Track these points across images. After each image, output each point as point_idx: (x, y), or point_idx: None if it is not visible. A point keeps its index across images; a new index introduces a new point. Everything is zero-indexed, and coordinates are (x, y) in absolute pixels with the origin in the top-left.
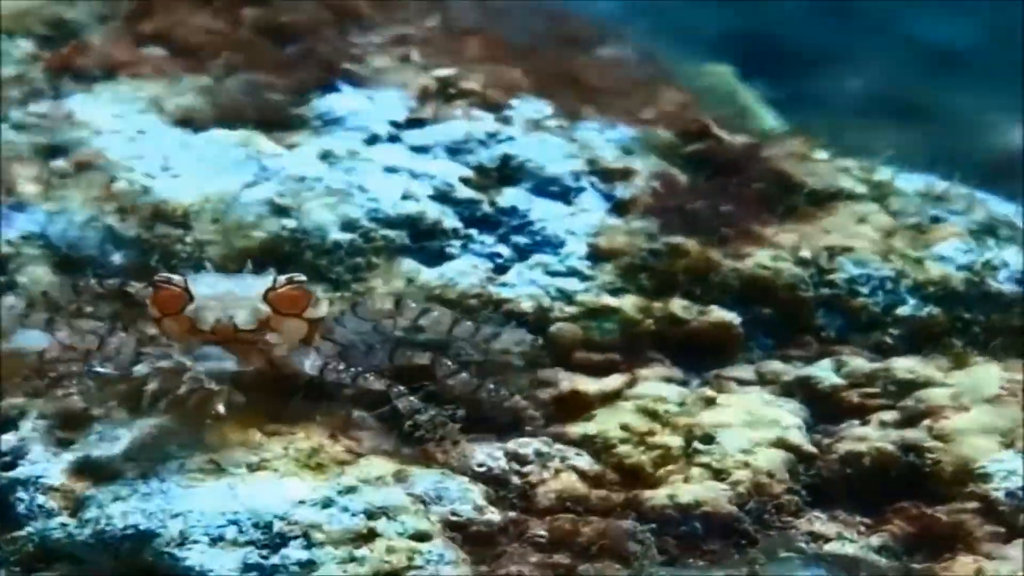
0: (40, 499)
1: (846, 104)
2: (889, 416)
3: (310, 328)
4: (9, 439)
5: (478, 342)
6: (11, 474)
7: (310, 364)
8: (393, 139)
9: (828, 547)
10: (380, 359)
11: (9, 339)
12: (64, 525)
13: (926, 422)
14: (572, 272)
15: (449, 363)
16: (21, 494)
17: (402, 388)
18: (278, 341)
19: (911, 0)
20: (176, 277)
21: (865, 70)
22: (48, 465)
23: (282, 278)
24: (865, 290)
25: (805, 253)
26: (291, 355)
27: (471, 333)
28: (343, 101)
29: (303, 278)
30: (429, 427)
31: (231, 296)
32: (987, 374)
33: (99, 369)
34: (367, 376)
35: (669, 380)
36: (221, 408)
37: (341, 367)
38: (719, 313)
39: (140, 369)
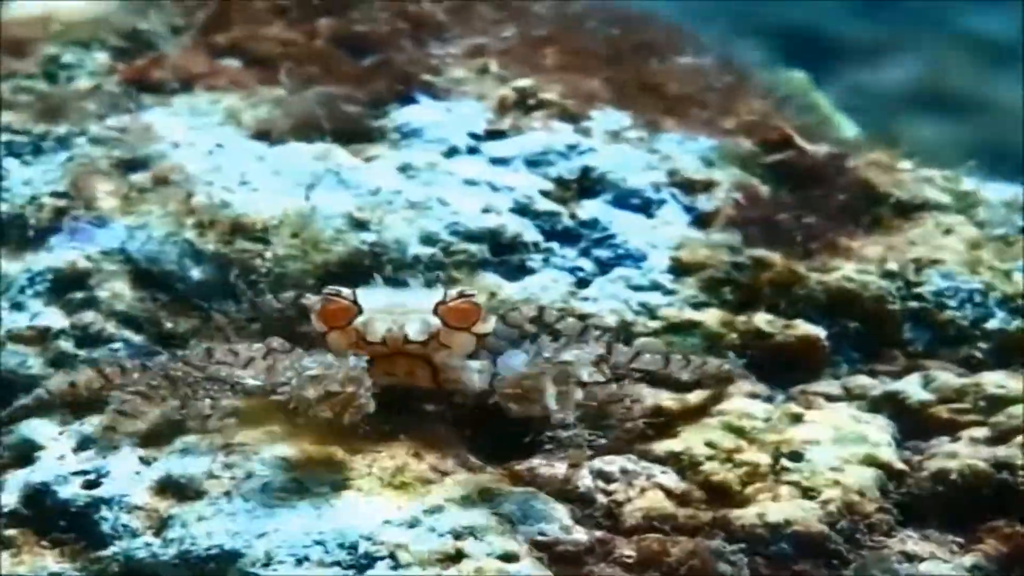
0: (124, 518)
1: (893, 98)
2: (980, 432)
3: (478, 343)
4: (91, 456)
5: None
6: (95, 492)
7: (480, 379)
8: (472, 151)
9: (921, 567)
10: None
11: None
12: (148, 544)
13: (1018, 439)
14: (654, 286)
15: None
16: (105, 513)
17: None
18: (450, 358)
19: None
20: (345, 290)
21: (912, 63)
22: (132, 483)
23: (453, 291)
24: (953, 303)
25: (891, 266)
26: (461, 370)
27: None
28: (421, 113)
29: (474, 292)
30: (566, 444)
31: (401, 308)
32: None
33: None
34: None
35: (754, 396)
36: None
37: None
38: (804, 327)
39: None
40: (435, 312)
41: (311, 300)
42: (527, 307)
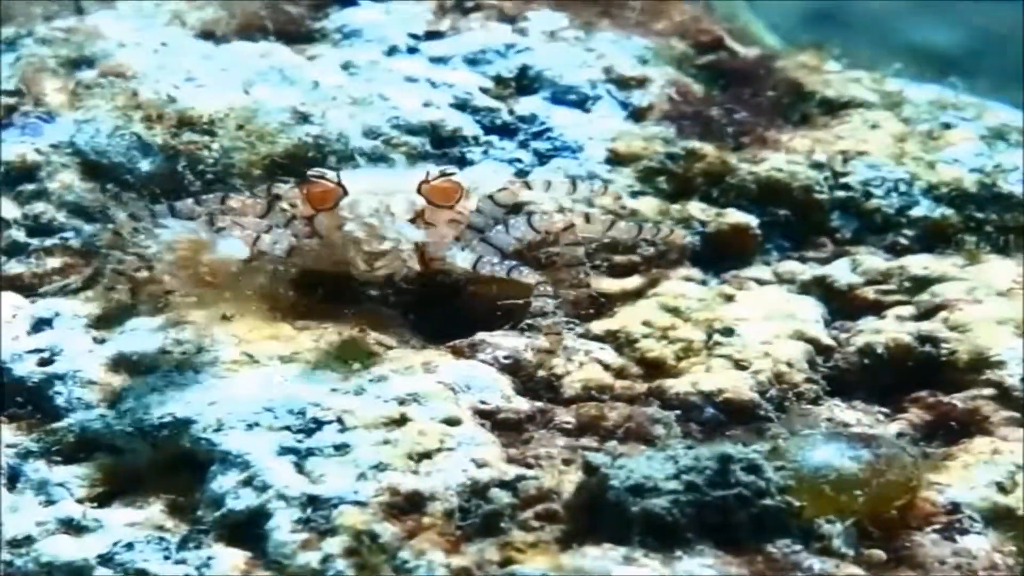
0: (78, 392)
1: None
2: (905, 311)
3: (461, 220)
4: (46, 335)
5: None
6: (49, 369)
7: (463, 258)
8: (412, 51)
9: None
10: (523, 231)
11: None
12: (103, 416)
13: (941, 314)
14: (591, 176)
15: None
16: (60, 388)
17: (548, 287)
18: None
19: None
20: (329, 173)
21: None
22: (85, 360)
23: (434, 170)
24: (879, 192)
25: (819, 157)
26: (447, 250)
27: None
28: (362, 15)
29: (455, 170)
30: (545, 328)
31: (386, 189)
32: (999, 269)
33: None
34: (521, 269)
35: (689, 280)
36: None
37: (495, 260)
38: (736, 215)
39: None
40: (418, 191)
41: (283, 188)
42: (514, 186)
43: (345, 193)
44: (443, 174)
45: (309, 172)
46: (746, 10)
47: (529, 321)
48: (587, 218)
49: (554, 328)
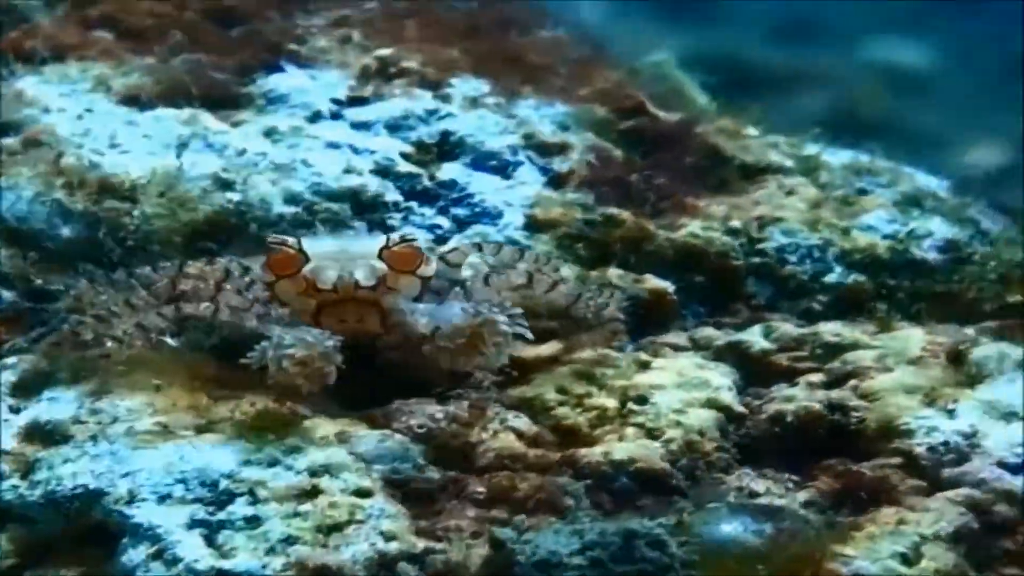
0: None
1: (808, 124)
2: (816, 378)
3: (422, 286)
4: None
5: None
6: None
7: (424, 324)
8: (335, 116)
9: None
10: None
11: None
12: (15, 487)
13: (852, 382)
14: (510, 242)
15: (546, 278)
16: None
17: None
18: (398, 302)
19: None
20: (290, 239)
21: (826, 91)
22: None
23: (395, 236)
24: (794, 258)
25: (735, 223)
26: (409, 314)
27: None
28: (287, 81)
29: (415, 236)
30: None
31: (346, 255)
32: (910, 337)
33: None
34: (495, 318)
35: (618, 349)
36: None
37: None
38: (654, 281)
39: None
40: (380, 257)
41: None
42: (464, 247)
43: (307, 259)
44: (403, 239)
45: (269, 239)
46: (676, 71)
47: (459, 391)
48: (530, 279)
49: (482, 402)
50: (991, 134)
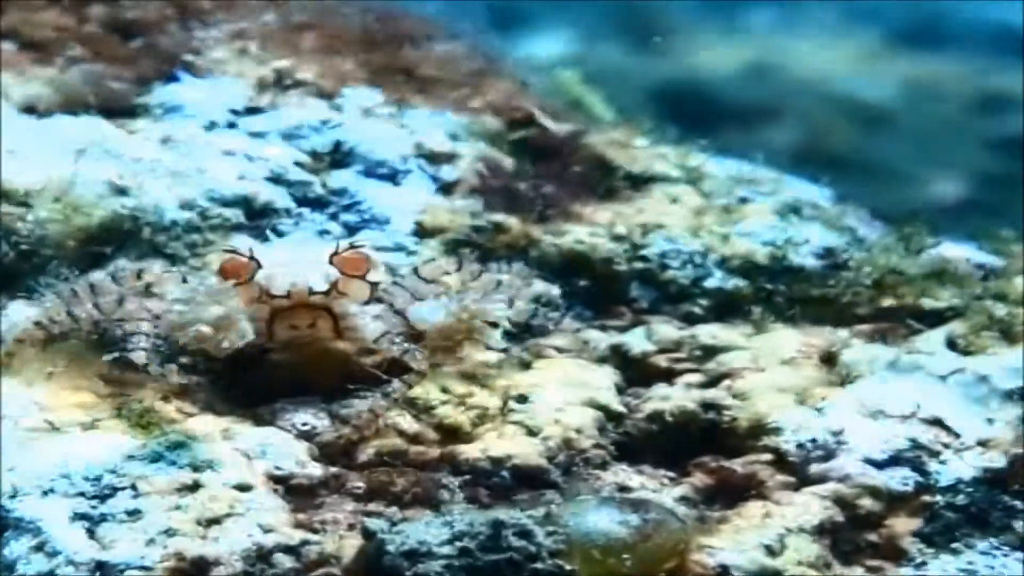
0: None
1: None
2: (694, 378)
3: (371, 291)
4: None
5: None
6: None
7: (372, 328)
8: (231, 126)
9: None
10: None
11: None
12: None
13: (726, 382)
14: (398, 247)
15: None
16: None
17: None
18: (349, 307)
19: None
20: (241, 247)
21: (792, 126)
22: None
23: (344, 243)
24: (675, 264)
25: (620, 230)
26: (360, 318)
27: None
28: (183, 91)
29: (364, 243)
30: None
31: (298, 261)
32: (785, 339)
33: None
34: (416, 354)
35: (489, 348)
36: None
37: (398, 339)
38: (539, 286)
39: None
40: (330, 263)
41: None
42: (444, 261)
43: (259, 266)
44: (352, 246)
45: (223, 248)
46: (579, 85)
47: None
48: (459, 265)
49: (374, 411)
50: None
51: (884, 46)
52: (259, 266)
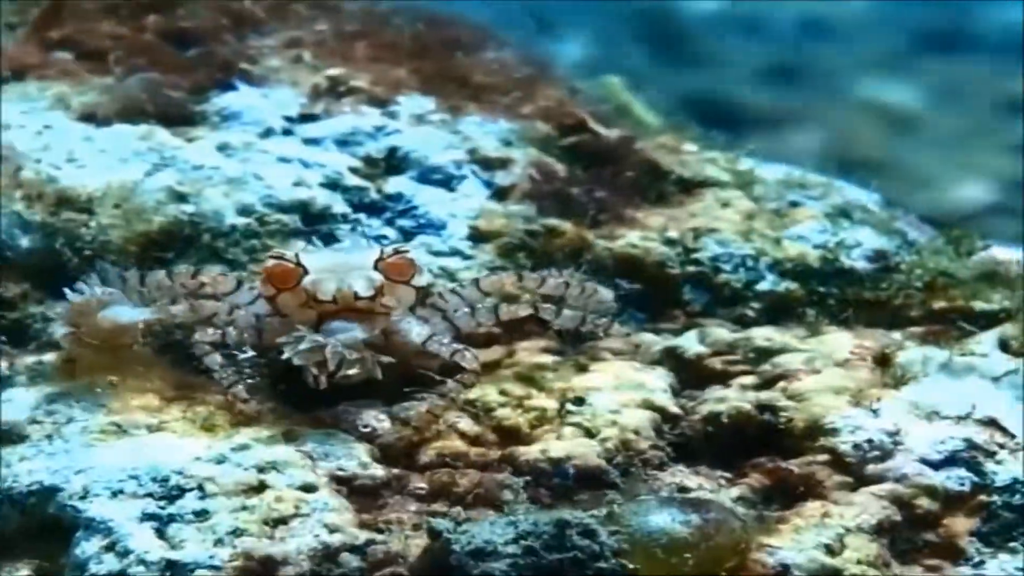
0: None
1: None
2: (748, 380)
3: (416, 296)
4: None
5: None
6: None
7: (417, 332)
8: (286, 133)
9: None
10: (486, 317)
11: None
12: None
13: (781, 384)
14: (454, 252)
15: (550, 305)
16: None
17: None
18: (395, 306)
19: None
20: (288, 253)
21: (817, 129)
22: None
23: (388, 248)
24: (728, 267)
25: (672, 234)
26: (402, 322)
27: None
28: (240, 99)
29: (408, 248)
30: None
31: (344, 267)
32: (838, 341)
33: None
34: (465, 353)
35: (546, 351)
36: (376, 372)
37: (446, 340)
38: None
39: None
40: (375, 268)
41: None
42: (506, 276)
43: (305, 272)
44: (397, 251)
45: (269, 254)
46: (625, 90)
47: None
48: (535, 309)
49: (434, 413)
50: (977, 172)
51: (910, 49)
52: (305, 272)
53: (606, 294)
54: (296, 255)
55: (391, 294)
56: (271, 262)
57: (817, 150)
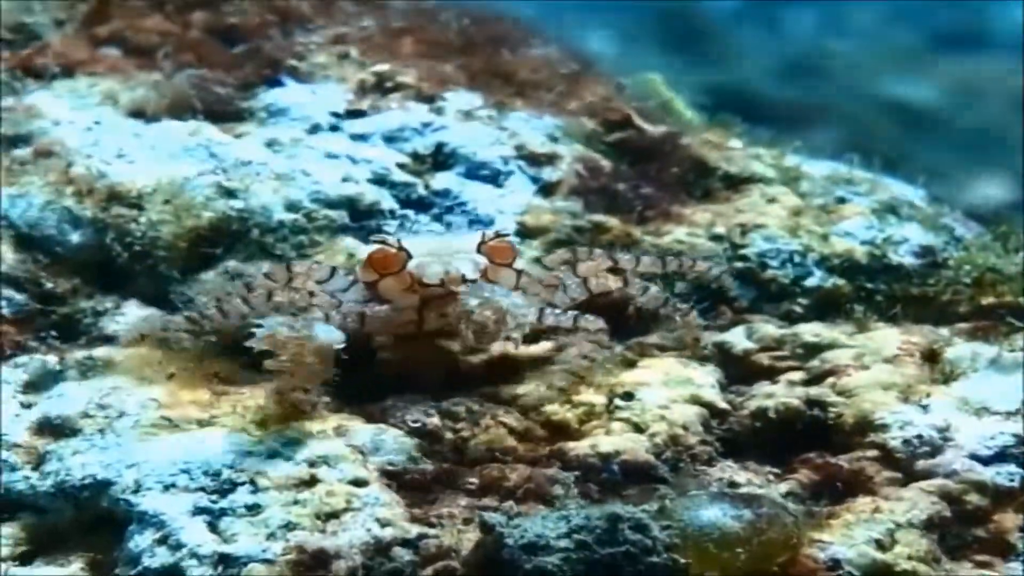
0: (4, 455)
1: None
2: (796, 376)
3: (518, 278)
4: None
5: None
6: None
7: (525, 310)
8: (334, 128)
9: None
10: (577, 292)
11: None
12: (27, 478)
13: (830, 380)
14: None
15: (638, 280)
16: None
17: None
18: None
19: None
20: (390, 238)
21: (837, 126)
22: (12, 425)
23: (489, 232)
24: (775, 263)
25: (719, 230)
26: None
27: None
28: (287, 95)
29: (509, 231)
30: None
31: (446, 251)
32: (887, 337)
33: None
34: (587, 316)
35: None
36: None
37: (559, 311)
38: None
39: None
40: (478, 251)
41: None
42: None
43: (409, 257)
44: (498, 235)
45: (371, 237)
46: (666, 87)
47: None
48: (624, 282)
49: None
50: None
51: (927, 47)
52: (409, 256)
53: (705, 267)
54: (398, 240)
55: (494, 276)
56: (374, 247)
57: (835, 148)
